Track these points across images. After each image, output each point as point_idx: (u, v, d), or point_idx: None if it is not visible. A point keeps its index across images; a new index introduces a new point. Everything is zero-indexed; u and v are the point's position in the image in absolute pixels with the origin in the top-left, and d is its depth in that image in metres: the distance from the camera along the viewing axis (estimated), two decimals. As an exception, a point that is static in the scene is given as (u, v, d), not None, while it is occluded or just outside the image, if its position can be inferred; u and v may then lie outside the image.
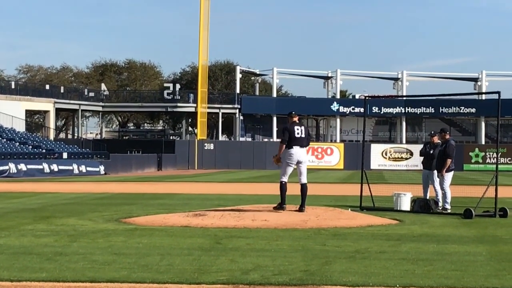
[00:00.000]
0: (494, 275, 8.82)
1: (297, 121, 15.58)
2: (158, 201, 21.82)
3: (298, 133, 15.31)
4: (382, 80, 79.64)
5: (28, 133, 58.72)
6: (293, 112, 15.64)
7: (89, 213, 16.86)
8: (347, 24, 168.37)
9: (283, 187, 15.25)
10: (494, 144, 65.71)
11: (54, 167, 45.99)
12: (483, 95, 66.44)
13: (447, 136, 18.47)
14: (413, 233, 13.22)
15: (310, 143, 16.09)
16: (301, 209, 15.25)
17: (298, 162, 15.30)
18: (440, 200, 18.23)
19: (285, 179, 15.30)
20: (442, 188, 17.98)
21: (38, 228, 13.61)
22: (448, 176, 18.06)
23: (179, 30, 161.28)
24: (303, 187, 15.31)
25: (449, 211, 17.55)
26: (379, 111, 70.93)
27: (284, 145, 15.24)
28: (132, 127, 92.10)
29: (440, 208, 18.00)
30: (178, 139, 73.26)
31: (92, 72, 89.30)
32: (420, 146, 21.23)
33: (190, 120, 77.56)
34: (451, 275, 8.78)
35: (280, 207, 15.28)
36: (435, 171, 18.42)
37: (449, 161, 17.91)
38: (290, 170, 15.34)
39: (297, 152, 15.26)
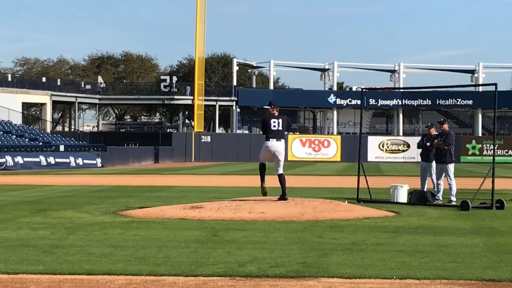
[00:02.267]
0: (491, 267, 8.83)
1: (276, 113, 15.54)
2: (155, 193, 21.81)
3: (274, 126, 15.37)
4: (379, 72, 79.71)
5: (25, 125, 58.62)
6: (272, 105, 15.62)
7: (86, 206, 16.86)
8: (344, 16, 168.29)
9: (261, 166, 15.57)
10: (491, 136, 65.72)
11: (51, 159, 45.93)
12: (480, 87, 66.46)
13: (446, 127, 18.51)
14: (410, 225, 13.25)
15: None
16: (283, 198, 15.37)
17: (275, 154, 15.38)
18: (440, 193, 18.24)
19: (263, 161, 15.62)
20: (450, 180, 18.00)
21: (35, 221, 13.61)
22: (451, 168, 18.10)
23: (175, 22, 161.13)
24: (280, 177, 15.44)
25: (453, 203, 17.54)
26: (376, 103, 70.90)
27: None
28: (129, 120, 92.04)
29: (439, 201, 18.01)
30: (175, 131, 73.17)
31: (89, 65, 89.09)
32: (417, 138, 21.25)
33: (187, 112, 77.48)
34: (448, 267, 8.79)
35: (262, 188, 15.53)
36: (433, 163, 18.45)
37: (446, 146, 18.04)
38: (267, 154, 15.47)
39: (273, 144, 15.38)
